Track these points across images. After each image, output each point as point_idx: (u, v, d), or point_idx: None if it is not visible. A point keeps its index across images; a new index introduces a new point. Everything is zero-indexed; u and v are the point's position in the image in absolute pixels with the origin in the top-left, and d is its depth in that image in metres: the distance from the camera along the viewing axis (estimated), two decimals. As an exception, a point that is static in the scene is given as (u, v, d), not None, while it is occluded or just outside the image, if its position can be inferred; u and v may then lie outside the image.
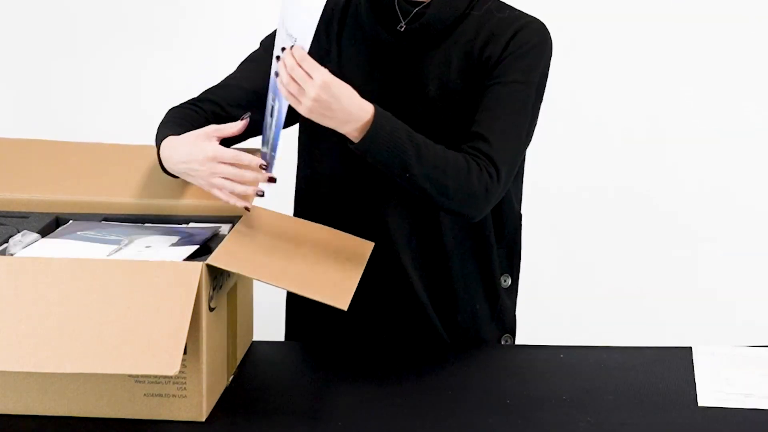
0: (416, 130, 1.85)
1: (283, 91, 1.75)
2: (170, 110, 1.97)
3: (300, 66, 1.73)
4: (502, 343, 2.06)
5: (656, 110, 3.19)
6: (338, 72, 1.93)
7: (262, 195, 1.79)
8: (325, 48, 1.99)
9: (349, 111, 1.77)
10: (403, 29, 1.94)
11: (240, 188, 1.77)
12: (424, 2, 1.95)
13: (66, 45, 3.18)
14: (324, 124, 1.77)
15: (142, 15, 3.17)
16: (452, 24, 1.95)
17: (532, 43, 1.92)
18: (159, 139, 1.88)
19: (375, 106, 1.79)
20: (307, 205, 2.04)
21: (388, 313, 2.00)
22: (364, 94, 1.90)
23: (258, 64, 2.00)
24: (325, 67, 1.80)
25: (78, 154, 2.04)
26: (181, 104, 1.98)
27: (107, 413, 1.65)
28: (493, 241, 2.01)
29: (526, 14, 1.97)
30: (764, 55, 3.16)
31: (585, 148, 3.18)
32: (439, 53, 1.95)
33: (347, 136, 1.79)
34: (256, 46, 2.05)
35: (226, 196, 1.78)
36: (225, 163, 1.77)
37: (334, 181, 2.00)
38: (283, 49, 1.75)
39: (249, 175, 1.77)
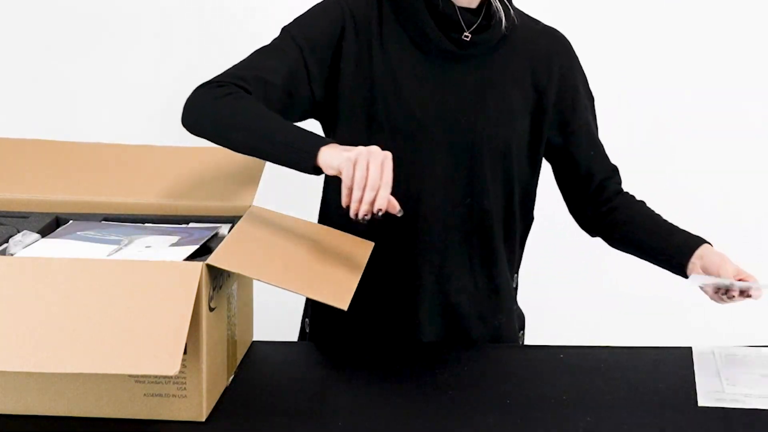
0: (478, 136, 1.93)
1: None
2: (249, 100, 1.84)
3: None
4: (520, 340, 2.11)
5: (655, 112, 3.19)
6: (389, 76, 1.92)
7: (374, 218, 1.67)
8: (365, 49, 1.95)
9: None
10: (469, 38, 1.94)
11: (367, 195, 1.66)
12: (480, 11, 1.96)
13: (66, 45, 3.18)
14: None
15: (143, 15, 3.17)
16: (504, 35, 1.98)
17: (577, 66, 2.06)
18: (316, 142, 1.75)
19: None
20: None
21: (439, 320, 2.01)
22: (420, 100, 1.92)
23: (286, 55, 1.91)
24: (371, 68, 1.89)
25: (78, 154, 2.04)
26: (239, 90, 1.85)
27: (107, 413, 1.65)
28: (518, 243, 2.07)
29: (550, 27, 2.06)
30: (763, 55, 3.16)
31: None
32: (496, 64, 1.97)
33: None
34: (257, 45, 2.04)
35: (346, 188, 1.68)
36: (377, 168, 1.67)
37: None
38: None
39: (382, 193, 1.66)
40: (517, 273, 2.10)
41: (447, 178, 1.95)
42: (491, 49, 1.97)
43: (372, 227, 1.75)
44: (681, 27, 3.15)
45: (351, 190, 1.67)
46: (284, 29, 1.96)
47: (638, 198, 2.11)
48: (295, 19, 1.97)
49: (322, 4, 1.98)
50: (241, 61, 1.92)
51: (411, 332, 2.00)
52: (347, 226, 1.89)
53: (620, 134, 3.18)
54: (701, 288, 1.89)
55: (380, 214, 1.66)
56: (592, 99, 2.08)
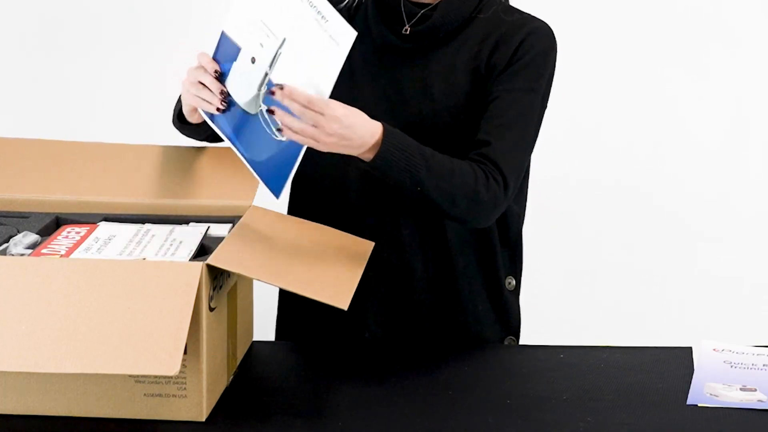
0: (422, 133, 1.87)
1: (294, 136, 1.73)
2: None
3: (308, 108, 1.71)
4: (505, 344, 2.06)
5: (657, 110, 3.19)
6: (348, 72, 1.93)
7: (220, 111, 1.81)
8: None
9: (362, 137, 1.76)
10: (408, 32, 1.94)
11: (196, 97, 1.82)
12: (430, 4, 1.95)
13: (66, 45, 3.18)
14: (339, 152, 1.77)
15: (143, 14, 3.17)
16: (459, 27, 1.95)
17: (539, 50, 1.93)
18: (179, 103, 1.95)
19: (383, 126, 1.79)
20: (304, 204, 2.03)
21: (388, 313, 2.00)
22: (371, 96, 1.92)
23: None
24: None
25: (78, 154, 2.04)
26: None
27: (107, 413, 1.65)
28: (496, 243, 2.01)
29: (534, 17, 1.97)
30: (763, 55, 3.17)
31: (585, 150, 3.18)
32: (445, 56, 1.95)
33: (359, 157, 1.79)
34: None
35: (199, 107, 1.84)
36: (201, 68, 1.81)
37: (334, 180, 1.99)
38: (278, 88, 1.72)
39: (203, 103, 1.82)
40: (512, 275, 2.05)
41: None
42: (440, 42, 1.94)
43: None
44: (680, 25, 3.16)
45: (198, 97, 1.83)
46: None
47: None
48: None
49: None
50: None
51: (359, 327, 1.99)
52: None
53: (617, 135, 3.19)
54: None
55: (224, 97, 1.80)
56: (539, 96, 1.94)
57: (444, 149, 1.89)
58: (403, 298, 1.99)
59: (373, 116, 1.85)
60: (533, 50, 1.93)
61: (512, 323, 2.06)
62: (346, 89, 1.95)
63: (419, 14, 1.94)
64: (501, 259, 2.02)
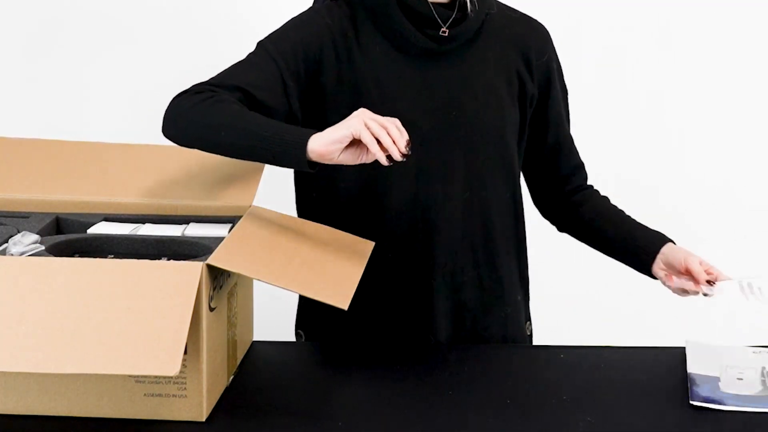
0: (467, 130, 1.95)
1: None
2: (230, 102, 1.85)
3: None
4: (527, 330, 2.11)
5: (661, 106, 3.18)
6: (373, 83, 1.92)
7: (402, 158, 1.73)
8: (346, 60, 1.95)
9: None
10: (447, 34, 1.95)
11: (394, 132, 1.72)
12: (452, 4, 1.96)
13: (66, 44, 3.18)
14: None
15: (143, 14, 3.17)
16: (481, 24, 2.00)
17: (555, 59, 2.06)
18: (302, 136, 1.75)
19: None
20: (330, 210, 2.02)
21: (438, 316, 2.01)
22: (408, 102, 1.93)
23: (261, 68, 1.92)
24: (355, 78, 1.91)
25: (78, 154, 2.04)
26: (218, 94, 1.86)
27: (107, 413, 1.65)
28: (524, 232, 2.07)
29: (530, 18, 2.06)
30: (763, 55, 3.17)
31: (584, 148, 3.17)
32: (476, 53, 1.98)
33: None
34: (250, 44, 2.04)
35: (372, 142, 1.71)
36: (374, 120, 1.73)
37: (374, 187, 1.97)
38: None
39: (400, 125, 1.73)
40: (527, 265, 2.10)
41: (443, 175, 1.96)
42: (470, 40, 1.98)
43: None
44: (684, 19, 3.16)
45: (377, 139, 1.71)
46: (259, 44, 1.96)
47: (602, 194, 2.14)
48: (271, 34, 1.97)
49: (297, 18, 1.99)
50: (217, 74, 1.92)
51: (425, 332, 2.00)
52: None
53: (618, 134, 3.19)
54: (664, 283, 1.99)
55: (409, 147, 1.72)
56: (565, 91, 2.09)
57: (495, 155, 1.97)
58: (460, 302, 2.01)
59: (411, 126, 1.81)
60: (551, 59, 2.04)
61: (528, 308, 2.13)
62: (378, 101, 1.93)
63: (453, 15, 1.95)
64: (525, 247, 2.10)
